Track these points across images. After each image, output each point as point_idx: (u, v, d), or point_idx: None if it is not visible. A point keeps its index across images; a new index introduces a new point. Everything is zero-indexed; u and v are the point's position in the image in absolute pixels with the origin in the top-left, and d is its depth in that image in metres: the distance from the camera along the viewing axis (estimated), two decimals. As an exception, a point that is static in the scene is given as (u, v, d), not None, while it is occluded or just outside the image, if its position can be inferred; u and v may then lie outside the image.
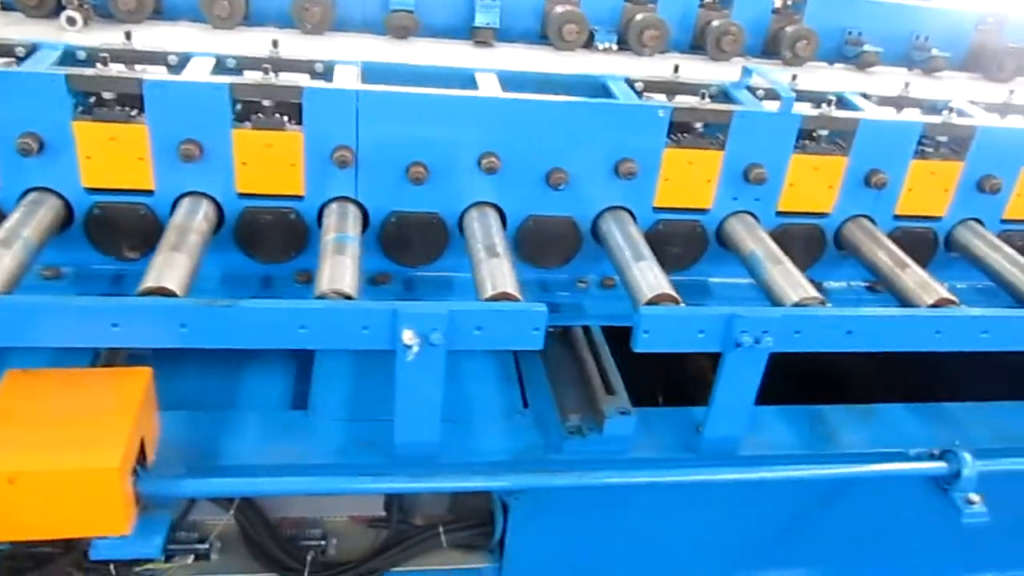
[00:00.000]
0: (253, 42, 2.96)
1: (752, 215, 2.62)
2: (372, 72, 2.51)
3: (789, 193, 2.61)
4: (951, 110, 2.68)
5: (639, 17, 3.76)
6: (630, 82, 2.66)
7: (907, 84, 3.00)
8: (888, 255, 2.53)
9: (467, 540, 2.51)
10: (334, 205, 2.39)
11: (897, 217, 2.73)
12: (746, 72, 2.70)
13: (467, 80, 2.52)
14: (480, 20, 3.68)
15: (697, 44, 3.93)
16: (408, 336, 1.95)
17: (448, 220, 2.48)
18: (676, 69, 2.75)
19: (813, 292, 2.27)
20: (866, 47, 3.96)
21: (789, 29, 3.87)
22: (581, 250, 2.59)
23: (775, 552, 2.60)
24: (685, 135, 2.51)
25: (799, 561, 2.65)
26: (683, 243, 2.63)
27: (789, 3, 4.01)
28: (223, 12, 3.29)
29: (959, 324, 2.25)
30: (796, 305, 2.24)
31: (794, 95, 2.50)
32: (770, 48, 3.96)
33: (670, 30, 3.81)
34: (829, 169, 2.59)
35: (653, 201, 2.56)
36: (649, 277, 2.24)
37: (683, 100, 2.63)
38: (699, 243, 2.64)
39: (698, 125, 2.51)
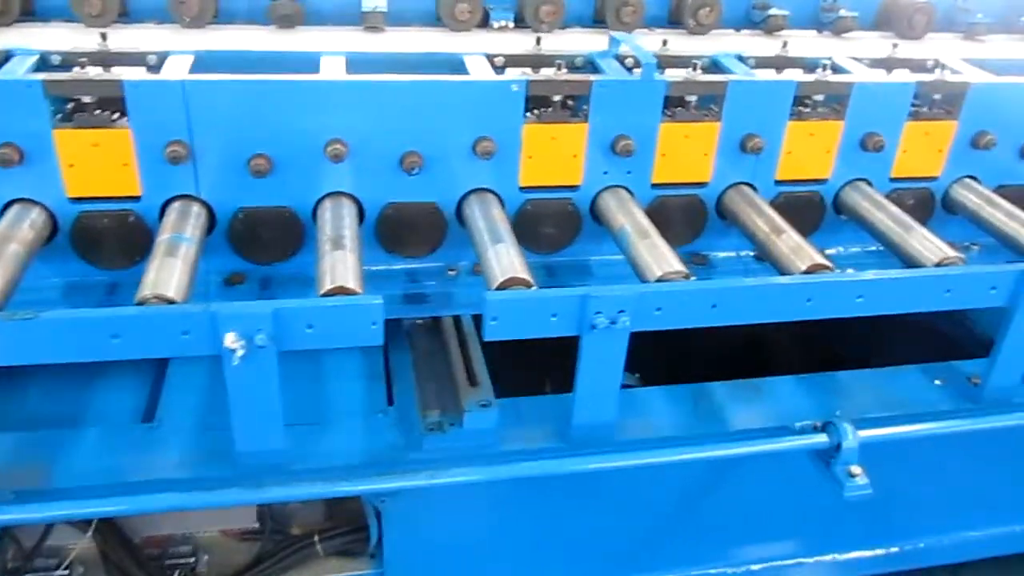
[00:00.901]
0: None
1: (626, 189, 2.50)
2: (208, 61, 2.37)
3: (662, 164, 2.50)
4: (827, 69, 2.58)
5: None
6: (489, 58, 2.53)
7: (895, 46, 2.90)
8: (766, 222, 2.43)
9: (345, 547, 2.41)
10: (176, 204, 2.26)
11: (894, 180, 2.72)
12: (614, 41, 2.58)
13: (312, 64, 2.38)
14: (367, 4, 3.52)
15: (599, 18, 3.80)
16: (231, 339, 1.82)
17: (301, 213, 2.35)
18: (538, 41, 2.62)
19: (678, 267, 2.16)
20: (772, 11, 3.85)
21: (691, -3, 3.76)
22: (448, 236, 2.47)
23: (665, 538, 2.50)
24: (547, 110, 2.39)
25: (690, 545, 2.55)
26: (556, 223, 2.52)
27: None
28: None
29: (830, 290, 2.15)
30: (659, 280, 2.13)
31: (655, 62, 2.38)
32: (674, 17, 3.85)
33: (564, 5, 3.68)
34: (702, 136, 2.49)
35: (519, 181, 2.44)
36: (504, 260, 2.12)
37: (544, 73, 2.51)
38: (572, 222, 2.52)
39: (557, 98, 2.39)
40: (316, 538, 2.39)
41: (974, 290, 2.26)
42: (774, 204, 2.61)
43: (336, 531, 2.39)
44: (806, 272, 2.22)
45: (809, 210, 2.69)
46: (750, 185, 2.60)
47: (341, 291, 1.96)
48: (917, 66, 2.81)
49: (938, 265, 2.31)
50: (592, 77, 2.39)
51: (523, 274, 2.07)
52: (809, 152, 2.60)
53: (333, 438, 2.21)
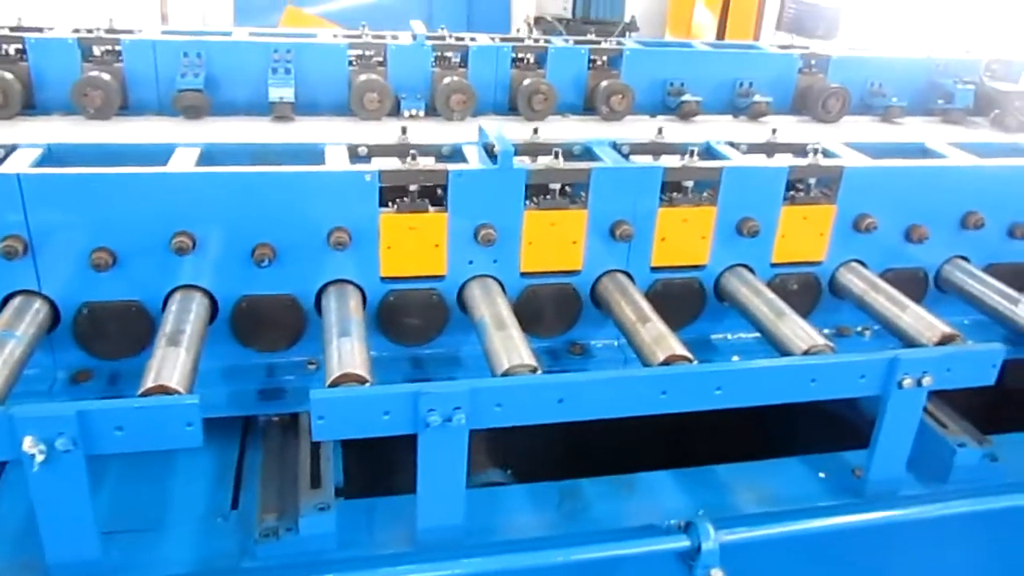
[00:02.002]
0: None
1: (493, 278, 2.45)
2: (58, 153, 2.34)
3: (529, 252, 2.45)
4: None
5: (446, 81, 3.64)
6: (351, 148, 2.51)
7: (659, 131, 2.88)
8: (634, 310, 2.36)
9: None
10: (16, 300, 2.19)
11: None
12: (481, 131, 2.56)
13: (166, 156, 2.35)
14: (274, 95, 3.53)
15: (513, 105, 3.83)
16: (29, 444, 1.73)
17: (150, 307, 2.28)
18: (404, 131, 2.61)
19: (527, 360, 2.08)
20: (686, 96, 3.88)
21: (603, 84, 3.79)
22: (308, 329, 2.39)
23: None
24: (405, 200, 2.35)
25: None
26: (421, 314, 2.45)
27: (605, 60, 3.94)
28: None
29: (686, 381, 2.07)
30: (505, 374, 2.05)
31: (512, 149, 2.36)
32: (589, 104, 3.88)
33: (476, 94, 3.70)
34: (570, 223, 2.45)
35: (380, 271, 2.38)
36: (344, 356, 2.04)
37: (389, 163, 2.47)
38: (438, 313, 2.46)
39: (413, 187, 2.35)
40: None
41: (842, 379, 2.18)
42: (651, 292, 2.55)
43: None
44: (664, 363, 2.14)
45: (689, 297, 2.63)
46: (625, 273, 2.54)
47: (159, 390, 1.88)
48: (797, 150, 2.79)
49: (806, 353, 2.23)
50: (450, 167, 2.36)
51: (360, 370, 1.99)
52: (684, 238, 2.56)
53: (163, 546, 2.08)
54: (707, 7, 8.96)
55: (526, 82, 3.72)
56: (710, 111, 3.90)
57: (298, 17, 8.34)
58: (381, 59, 3.47)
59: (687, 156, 2.55)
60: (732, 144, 2.80)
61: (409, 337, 2.48)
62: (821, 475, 2.46)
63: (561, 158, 2.43)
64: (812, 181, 2.63)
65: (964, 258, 2.84)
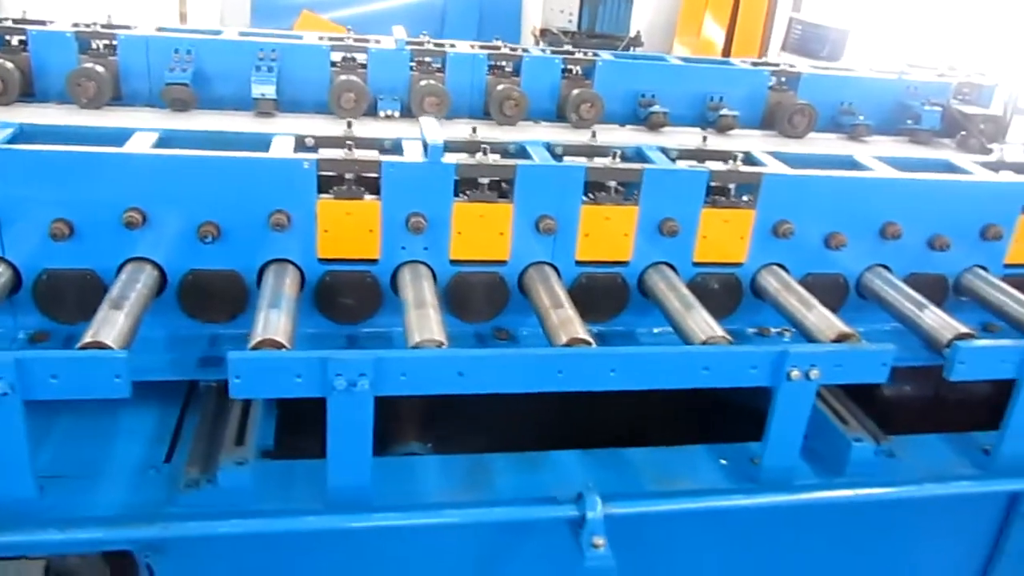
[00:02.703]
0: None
1: (425, 264, 2.63)
2: (28, 133, 2.57)
3: (459, 241, 2.63)
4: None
5: (422, 84, 3.83)
6: (299, 138, 2.71)
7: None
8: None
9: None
10: (-20, 266, 2.41)
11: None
12: (421, 129, 2.75)
13: (125, 139, 2.57)
14: (256, 91, 3.73)
15: (487, 111, 4.01)
16: (-37, 389, 1.94)
17: (103, 276, 2.49)
18: (349, 125, 2.80)
19: (437, 336, 2.26)
20: (655, 107, 4.03)
21: (574, 92, 3.96)
22: (249, 304, 2.59)
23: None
24: (342, 187, 2.55)
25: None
26: (355, 294, 2.64)
27: (579, 70, 4.11)
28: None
29: (581, 362, 2.23)
30: (416, 347, 2.23)
31: (443, 144, 2.55)
32: (561, 112, 4.05)
33: (450, 97, 3.88)
34: (497, 216, 2.63)
35: (318, 253, 2.58)
36: (270, 323, 2.23)
37: (331, 153, 2.66)
38: (372, 293, 2.64)
39: (349, 176, 2.54)
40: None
41: (733, 369, 2.32)
42: (576, 285, 2.72)
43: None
44: (566, 345, 2.31)
45: (614, 291, 2.79)
46: (551, 265, 2.71)
47: (98, 346, 2.08)
48: (725, 157, 2.94)
49: (704, 343, 2.39)
50: (384, 158, 2.55)
51: (280, 337, 2.18)
52: (607, 235, 2.72)
53: (96, 492, 2.27)
54: (715, 21, 9.10)
55: (499, 87, 3.91)
56: (681, 123, 4.03)
57: (313, 21, 8.61)
58: (363, 62, 3.65)
59: (613, 158, 2.72)
60: (663, 149, 2.96)
61: (345, 316, 2.67)
62: (723, 462, 2.60)
63: (492, 155, 2.61)
64: (733, 187, 2.78)
65: (886, 267, 2.97)
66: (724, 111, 4.05)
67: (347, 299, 2.64)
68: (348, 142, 2.56)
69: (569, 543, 2.30)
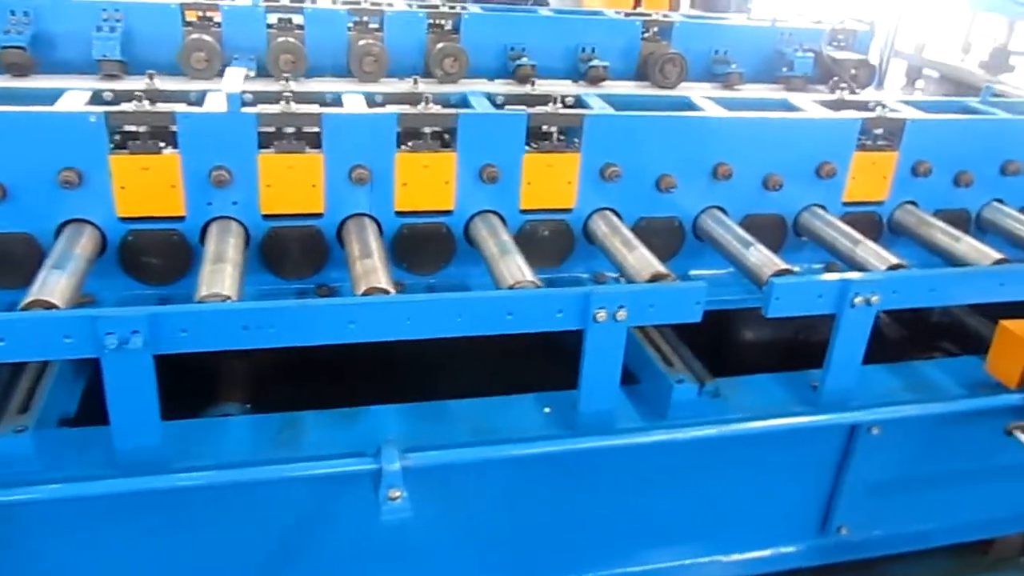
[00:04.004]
0: None
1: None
2: None
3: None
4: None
5: (361, 43, 3.69)
6: (96, 92, 2.60)
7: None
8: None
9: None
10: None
11: None
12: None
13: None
14: (97, 52, 3.59)
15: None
16: None
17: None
18: (151, 78, 2.69)
19: (225, 291, 2.18)
20: (522, 60, 3.96)
21: (438, 46, 3.86)
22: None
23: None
24: (137, 142, 2.44)
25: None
26: (162, 253, 2.54)
27: (448, 24, 4.01)
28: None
29: (373, 311, 2.17)
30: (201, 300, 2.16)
31: (239, 95, 2.46)
32: (427, 68, 3.94)
33: (307, 56, 3.76)
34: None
35: (116, 211, 2.47)
36: (47, 285, 2.14)
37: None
38: (180, 252, 2.55)
39: (143, 129, 2.44)
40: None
41: (539, 314, 2.28)
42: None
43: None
44: (364, 294, 2.24)
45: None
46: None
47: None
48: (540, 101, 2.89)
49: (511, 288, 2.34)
50: (177, 109, 2.45)
51: (54, 298, 2.09)
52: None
53: None
54: (625, -21, 8.98)
55: (361, 43, 3.80)
56: (551, 76, 3.97)
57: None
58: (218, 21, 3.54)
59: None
60: (488, 96, 2.90)
61: (150, 276, 2.57)
62: (547, 410, 2.57)
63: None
64: (555, 129, 2.72)
65: (721, 208, 2.94)
66: (595, 62, 3.99)
67: (153, 259, 2.54)
68: (140, 95, 2.44)
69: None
